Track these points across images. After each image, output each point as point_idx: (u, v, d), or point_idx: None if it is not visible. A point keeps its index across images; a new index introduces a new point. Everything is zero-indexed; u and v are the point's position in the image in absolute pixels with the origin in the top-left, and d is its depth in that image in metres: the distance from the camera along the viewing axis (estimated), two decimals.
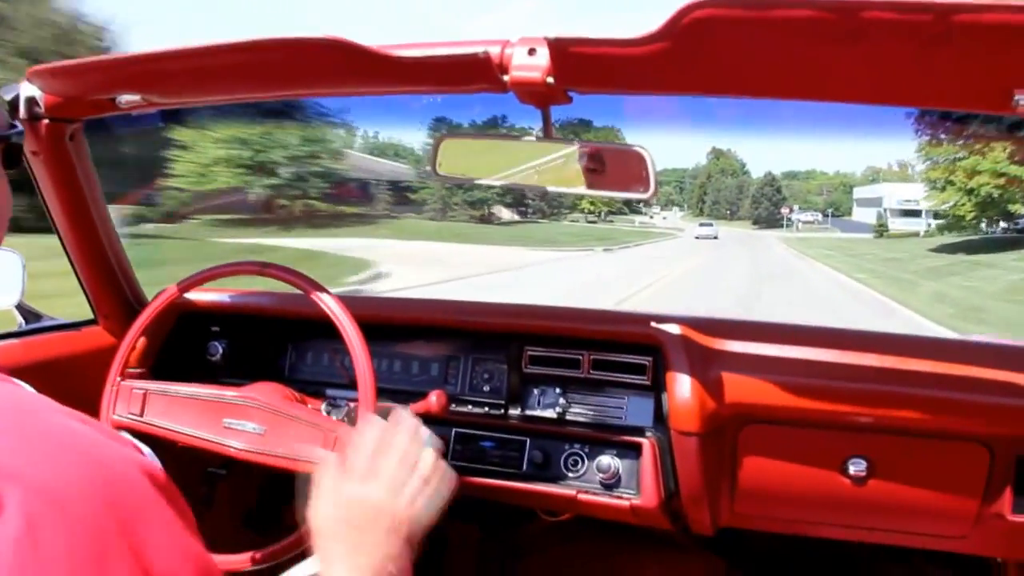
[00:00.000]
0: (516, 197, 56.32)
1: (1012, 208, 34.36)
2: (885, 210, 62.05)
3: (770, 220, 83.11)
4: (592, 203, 66.63)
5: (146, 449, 1.25)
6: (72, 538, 0.51)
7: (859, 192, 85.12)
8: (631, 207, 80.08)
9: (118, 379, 1.55)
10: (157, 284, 1.66)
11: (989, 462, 1.39)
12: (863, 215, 72.17)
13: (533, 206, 60.37)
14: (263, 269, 1.52)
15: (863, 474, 1.42)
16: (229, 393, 1.50)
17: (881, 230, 53.46)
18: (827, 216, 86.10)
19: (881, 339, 1.57)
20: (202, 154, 24.60)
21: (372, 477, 0.97)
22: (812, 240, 49.62)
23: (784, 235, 57.82)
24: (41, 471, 0.53)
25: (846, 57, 0.93)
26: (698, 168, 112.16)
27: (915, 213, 54.05)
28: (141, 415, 1.52)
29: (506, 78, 1.08)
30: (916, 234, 47.85)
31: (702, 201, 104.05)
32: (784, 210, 76.06)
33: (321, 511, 0.94)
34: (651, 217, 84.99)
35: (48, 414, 0.58)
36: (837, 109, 1.10)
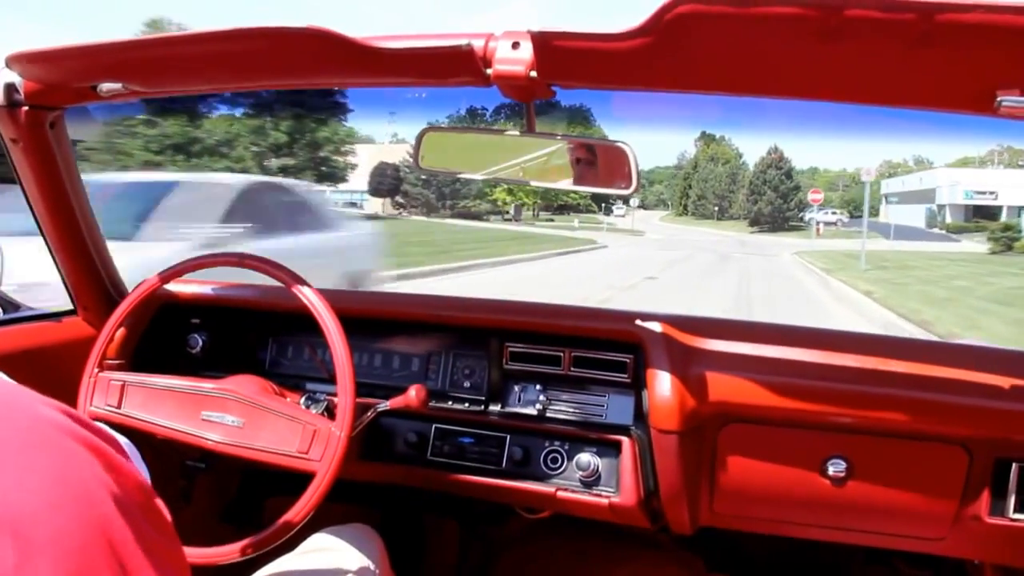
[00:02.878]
0: (384, 182, 48.26)
1: None
2: (941, 207, 45.60)
3: (776, 219, 57.61)
4: (511, 192, 52.36)
5: (125, 441, 1.24)
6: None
7: (891, 185, 62.65)
8: (603, 202, 63.44)
9: (96, 371, 1.54)
10: None
11: (967, 464, 1.39)
12: (899, 214, 52.67)
13: (413, 195, 50.89)
14: (241, 260, 1.51)
15: (842, 474, 1.43)
16: (207, 385, 1.49)
17: (1009, 238, 30.70)
18: (853, 216, 59.84)
19: (862, 340, 1.57)
20: None
21: None
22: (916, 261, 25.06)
23: (815, 246, 32.65)
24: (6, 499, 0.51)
25: (829, 56, 0.93)
26: (684, 158, 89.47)
27: (991, 212, 40.77)
28: (119, 407, 1.51)
29: (489, 71, 1.08)
30: None
31: (686, 196, 79.74)
32: (816, 197, 41.14)
33: None
34: (606, 215, 63.88)
35: (13, 424, 0.57)
36: (835, 105, 1.10)
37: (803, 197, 61.33)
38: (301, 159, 30.91)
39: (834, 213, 59.75)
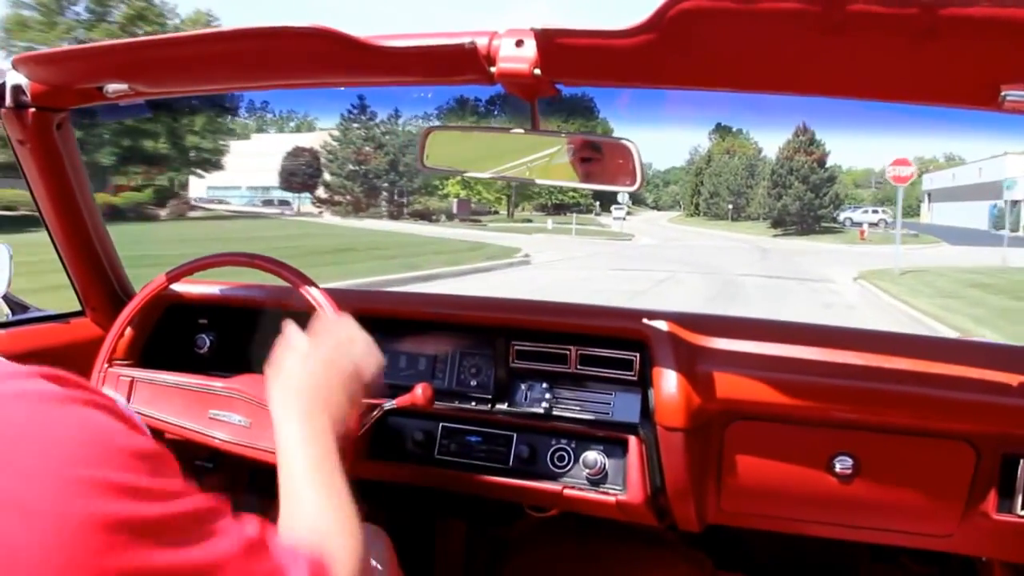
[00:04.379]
0: (297, 173, 40.33)
1: None
2: (1015, 203, 33.00)
3: (805, 219, 45.75)
4: (468, 186, 44.63)
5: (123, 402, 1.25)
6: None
7: (936, 180, 49.67)
8: (599, 200, 53.93)
9: (105, 366, 1.54)
10: None
11: (975, 461, 1.39)
12: (948, 213, 44.15)
13: (336, 188, 42.73)
14: (251, 261, 1.51)
15: (849, 472, 1.42)
16: (216, 384, 1.49)
17: None
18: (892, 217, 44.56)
19: (868, 337, 1.57)
20: None
21: (328, 355, 1.11)
22: None
23: (900, 259, 19.25)
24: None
25: (832, 51, 0.93)
26: (697, 153, 75.29)
27: None
28: (128, 403, 1.51)
29: (493, 69, 1.08)
30: None
31: (697, 194, 67.25)
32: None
33: (285, 375, 1.07)
34: (596, 214, 56.65)
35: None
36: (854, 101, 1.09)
37: (840, 190, 49.77)
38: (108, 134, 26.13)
39: (875, 212, 48.35)
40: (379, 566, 1.42)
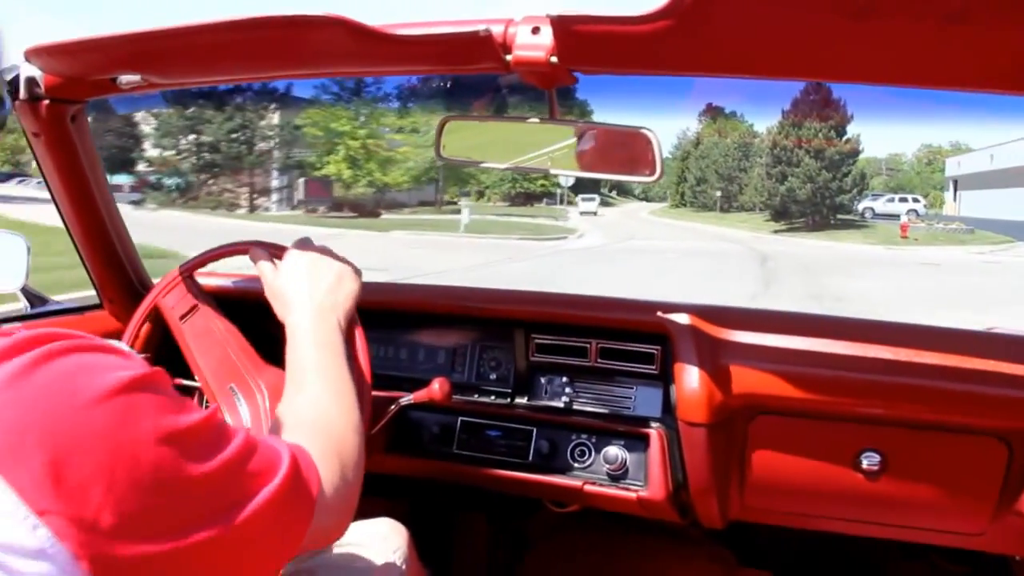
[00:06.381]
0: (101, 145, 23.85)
1: None
2: None
3: (819, 208, 35.59)
4: (355, 164, 33.29)
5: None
6: None
7: (965, 163, 41.12)
8: (558, 187, 44.35)
9: (181, 275, 1.55)
10: None
11: (1007, 458, 1.35)
12: (981, 203, 35.67)
13: (156, 163, 31.24)
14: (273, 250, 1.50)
15: (876, 468, 1.39)
16: (249, 367, 1.48)
17: None
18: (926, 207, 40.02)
19: (894, 329, 1.53)
20: None
21: (308, 263, 1.24)
22: None
23: None
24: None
25: (857, 35, 0.89)
26: (685, 137, 65.29)
27: None
28: (181, 319, 1.52)
29: (509, 57, 1.06)
30: None
31: (683, 181, 57.87)
32: None
33: (284, 287, 1.22)
34: (548, 204, 48.47)
35: None
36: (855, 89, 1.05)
37: (864, 169, 40.06)
38: None
39: (904, 200, 38.96)
40: (398, 560, 1.41)
